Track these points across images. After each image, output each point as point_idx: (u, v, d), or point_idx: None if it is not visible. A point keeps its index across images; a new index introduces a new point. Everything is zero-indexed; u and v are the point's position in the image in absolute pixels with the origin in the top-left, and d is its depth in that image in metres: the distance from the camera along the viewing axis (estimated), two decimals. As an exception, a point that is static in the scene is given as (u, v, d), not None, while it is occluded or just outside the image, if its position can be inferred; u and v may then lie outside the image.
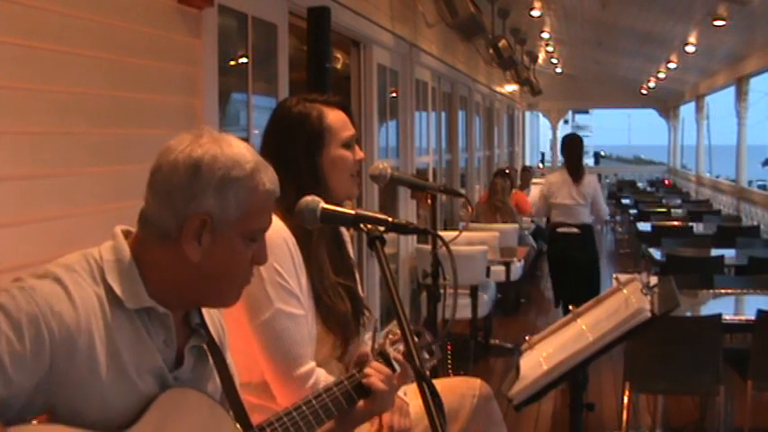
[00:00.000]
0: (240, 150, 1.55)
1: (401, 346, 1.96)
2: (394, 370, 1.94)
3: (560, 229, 6.49)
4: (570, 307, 2.66)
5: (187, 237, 1.51)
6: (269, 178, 1.57)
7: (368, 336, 2.41)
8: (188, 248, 1.51)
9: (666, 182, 19.58)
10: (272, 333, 2.10)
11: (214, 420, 1.58)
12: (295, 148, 2.24)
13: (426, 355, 2.07)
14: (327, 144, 2.25)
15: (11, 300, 1.39)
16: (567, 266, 6.48)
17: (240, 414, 1.66)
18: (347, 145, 2.28)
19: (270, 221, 1.61)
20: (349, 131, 2.29)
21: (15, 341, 1.36)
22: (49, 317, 1.40)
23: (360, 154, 2.32)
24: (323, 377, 2.14)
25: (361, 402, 1.89)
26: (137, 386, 1.49)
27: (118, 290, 1.49)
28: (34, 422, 1.38)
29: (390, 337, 1.98)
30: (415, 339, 1.64)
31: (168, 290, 1.54)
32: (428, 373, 1.77)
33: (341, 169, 2.26)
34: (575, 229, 6.43)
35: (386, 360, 1.94)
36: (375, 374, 1.90)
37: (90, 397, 1.43)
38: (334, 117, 2.28)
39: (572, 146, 6.55)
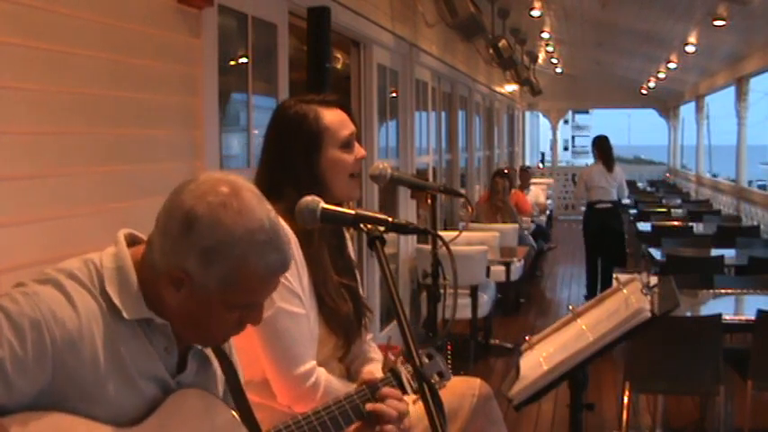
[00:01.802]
0: (248, 226, 1.45)
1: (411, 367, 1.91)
2: (404, 389, 1.87)
3: (598, 206, 8.84)
4: (570, 307, 2.67)
5: (165, 282, 1.48)
6: (268, 262, 1.47)
7: (369, 336, 2.42)
8: (165, 292, 1.49)
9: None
10: (273, 331, 2.10)
11: (217, 420, 1.58)
12: (293, 150, 2.24)
13: (437, 378, 2.04)
14: (325, 145, 2.24)
15: (14, 304, 1.39)
16: (603, 232, 8.82)
17: (246, 415, 1.65)
18: (346, 145, 2.27)
19: (265, 297, 1.54)
20: (347, 131, 2.28)
21: (17, 346, 1.35)
22: (51, 323, 1.39)
23: (360, 152, 2.31)
24: (324, 377, 2.14)
25: (360, 425, 1.79)
26: (139, 391, 1.49)
27: (116, 300, 1.48)
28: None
29: (402, 357, 1.94)
30: (416, 341, 1.63)
31: (164, 308, 1.52)
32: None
33: (340, 170, 2.26)
34: (609, 205, 8.83)
35: (396, 378, 1.87)
36: (388, 408, 1.79)
37: (93, 402, 1.43)
38: (332, 117, 2.26)
39: (606, 145, 8.86)
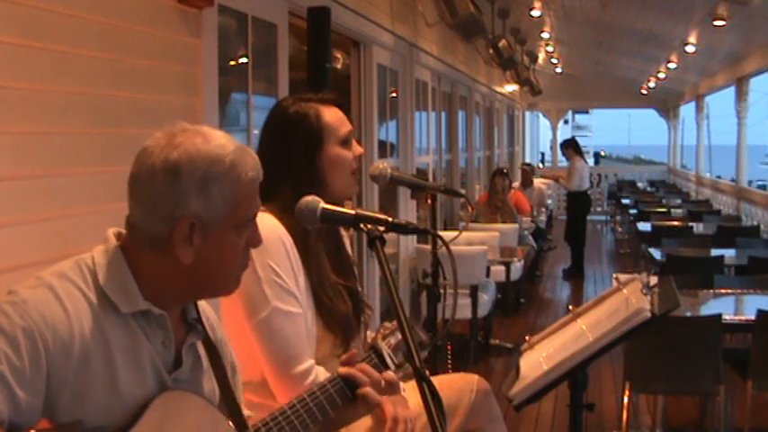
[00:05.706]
0: (218, 143, 1.52)
1: (392, 340, 1.92)
2: (386, 365, 1.88)
3: (588, 192, 11.38)
4: (570, 307, 2.67)
5: (178, 241, 1.49)
6: (250, 165, 1.54)
7: (369, 333, 2.41)
8: (180, 252, 1.49)
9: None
10: (269, 331, 2.10)
11: (210, 423, 1.58)
12: (294, 148, 2.24)
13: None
14: (326, 143, 2.25)
15: (4, 317, 1.39)
16: (589, 208, 11.53)
17: (234, 411, 1.65)
18: (345, 142, 2.28)
19: (258, 205, 1.58)
20: (346, 128, 2.29)
21: (14, 358, 1.36)
22: (43, 329, 1.39)
23: (358, 149, 2.32)
24: (322, 375, 2.14)
25: (344, 406, 1.81)
26: (134, 391, 1.48)
27: (111, 294, 1.48)
28: None
29: (382, 330, 1.94)
30: (414, 339, 1.63)
31: (164, 291, 1.52)
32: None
33: (340, 168, 2.26)
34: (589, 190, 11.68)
35: (378, 355, 1.88)
36: (363, 378, 1.82)
37: (88, 404, 1.43)
38: (331, 115, 2.28)
39: (579, 145, 11.39)
